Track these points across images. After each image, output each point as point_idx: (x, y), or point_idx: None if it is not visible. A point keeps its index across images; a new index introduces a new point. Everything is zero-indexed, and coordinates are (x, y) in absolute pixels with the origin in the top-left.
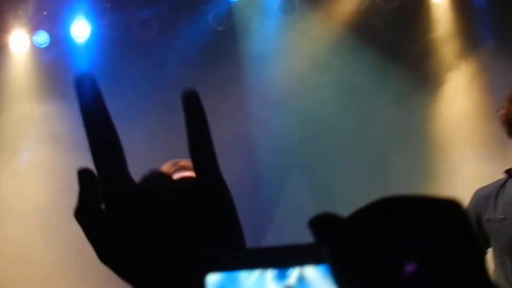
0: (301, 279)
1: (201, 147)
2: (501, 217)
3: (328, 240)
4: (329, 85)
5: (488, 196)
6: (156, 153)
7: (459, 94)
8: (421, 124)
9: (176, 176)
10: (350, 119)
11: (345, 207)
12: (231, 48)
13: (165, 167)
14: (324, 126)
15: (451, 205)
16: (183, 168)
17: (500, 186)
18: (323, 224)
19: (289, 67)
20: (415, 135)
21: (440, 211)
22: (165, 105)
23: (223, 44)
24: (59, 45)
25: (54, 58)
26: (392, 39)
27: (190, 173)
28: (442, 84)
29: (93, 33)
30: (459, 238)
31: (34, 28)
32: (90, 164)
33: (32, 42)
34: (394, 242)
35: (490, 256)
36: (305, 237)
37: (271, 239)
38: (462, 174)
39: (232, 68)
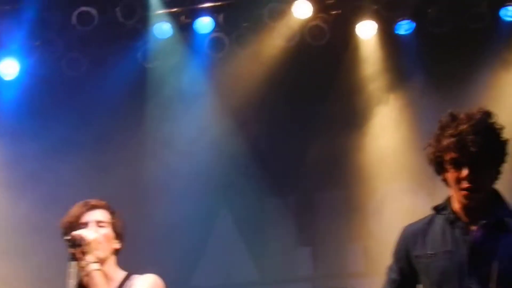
0: None
1: None
2: (430, 253)
3: None
4: (260, 121)
5: (417, 232)
6: (85, 187)
7: (387, 129)
8: (349, 159)
9: (88, 215)
10: (277, 154)
11: (273, 246)
12: (159, 85)
13: (77, 207)
14: (252, 162)
15: None
16: (94, 207)
17: (428, 222)
18: None
19: (219, 104)
20: (343, 170)
21: None
22: (95, 141)
23: (152, 81)
24: None
25: None
26: (321, 75)
27: (100, 212)
28: (370, 119)
29: (22, 71)
30: None
31: None
32: None
33: None
34: None
35: None
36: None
37: (202, 281)
38: (390, 208)
39: (160, 105)
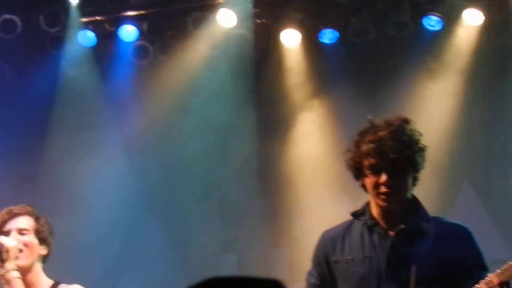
0: None
1: None
2: (348, 258)
3: None
4: (186, 129)
5: (336, 237)
6: (11, 197)
7: (311, 136)
8: (273, 166)
9: (10, 223)
10: (195, 160)
11: (198, 252)
12: (84, 93)
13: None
14: (177, 168)
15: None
16: (17, 215)
17: (347, 227)
18: None
19: (144, 112)
20: (267, 177)
21: None
22: (20, 150)
23: (77, 89)
24: None
25: None
26: (245, 83)
27: (23, 220)
28: (294, 127)
29: None
30: None
31: None
32: None
33: None
34: None
35: None
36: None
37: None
38: (314, 214)
39: (86, 113)
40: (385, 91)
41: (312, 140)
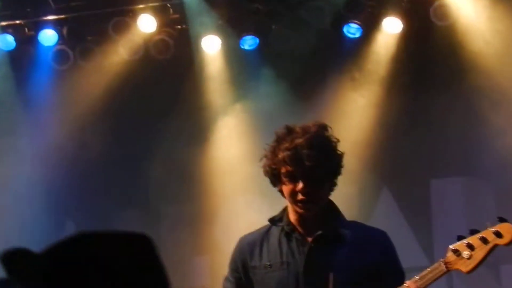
0: None
1: None
2: (266, 264)
3: (21, 275)
4: (106, 134)
5: (253, 243)
6: None
7: (232, 142)
8: (196, 172)
9: None
10: (122, 167)
11: None
12: (3, 97)
13: None
14: (98, 174)
15: (141, 241)
16: None
17: (265, 233)
18: (15, 259)
19: (64, 117)
20: (190, 183)
21: (130, 247)
22: None
23: None
24: None
25: None
26: (166, 89)
27: None
28: (215, 133)
29: None
30: (147, 273)
31: None
32: None
33: None
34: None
35: None
36: None
37: None
38: (237, 220)
39: (4, 118)
40: (306, 98)
41: (233, 146)
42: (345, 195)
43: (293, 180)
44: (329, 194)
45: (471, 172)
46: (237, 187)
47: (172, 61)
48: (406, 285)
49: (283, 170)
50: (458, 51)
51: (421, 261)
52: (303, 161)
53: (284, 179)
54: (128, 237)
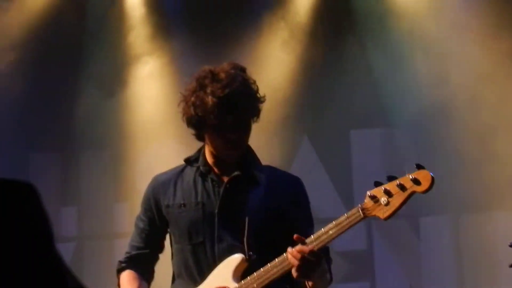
0: None
1: None
2: (180, 203)
3: None
4: (26, 78)
5: (168, 182)
6: None
7: (152, 88)
8: (114, 118)
9: None
10: (42, 110)
11: None
12: None
13: None
14: (15, 117)
15: (24, 189)
16: None
17: (179, 173)
18: None
19: None
20: (109, 129)
21: (11, 195)
22: None
23: None
24: None
25: None
26: (86, 33)
27: None
28: (135, 79)
29: None
30: (27, 222)
31: None
32: None
33: None
34: None
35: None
36: None
37: None
38: (158, 167)
39: None
40: (227, 45)
41: (153, 89)
42: (266, 145)
43: (222, 129)
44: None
45: (391, 123)
46: (157, 132)
47: (92, 2)
48: (323, 231)
49: (211, 118)
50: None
51: (340, 211)
52: (233, 110)
53: (211, 128)
54: (10, 184)
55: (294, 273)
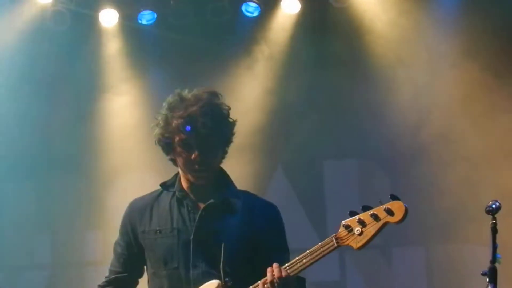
0: None
1: None
2: (156, 229)
3: None
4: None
5: (144, 208)
6: None
7: (126, 117)
8: (88, 147)
9: None
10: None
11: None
12: None
13: None
14: None
15: None
16: None
17: (155, 198)
18: None
19: None
20: (83, 157)
21: None
22: None
23: None
24: None
25: None
26: (60, 60)
27: None
28: (108, 107)
29: None
30: None
31: None
32: None
33: None
34: None
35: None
36: None
37: None
38: (130, 197)
39: None
40: (201, 73)
41: (126, 121)
42: (240, 174)
43: (188, 148)
44: (221, 161)
45: (366, 155)
46: (132, 161)
47: (68, 32)
48: (297, 259)
49: (177, 138)
50: (356, 33)
51: (313, 241)
52: (198, 129)
53: (178, 148)
54: None
55: None
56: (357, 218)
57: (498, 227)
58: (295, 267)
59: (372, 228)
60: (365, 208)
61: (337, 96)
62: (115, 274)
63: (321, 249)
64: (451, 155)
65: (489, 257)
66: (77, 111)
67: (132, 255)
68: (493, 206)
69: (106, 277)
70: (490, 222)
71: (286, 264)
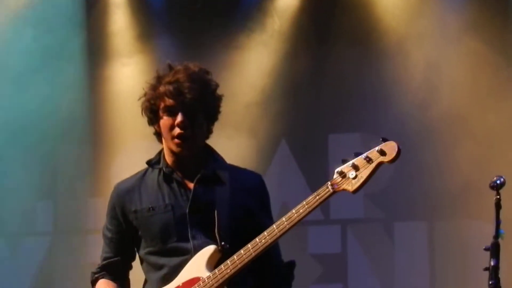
0: None
1: None
2: (149, 207)
3: None
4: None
5: (131, 188)
6: None
7: (133, 88)
8: (92, 117)
9: None
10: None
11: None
12: None
13: None
14: None
15: None
16: None
17: (141, 178)
18: None
19: None
20: (86, 126)
21: None
22: None
23: None
24: None
25: None
26: (68, 31)
27: None
28: (115, 78)
29: None
30: None
31: None
32: None
33: None
34: None
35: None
36: None
37: None
38: (138, 165)
39: None
40: (210, 47)
41: (132, 91)
42: (243, 147)
43: (172, 113)
44: (206, 137)
45: (370, 129)
46: (134, 130)
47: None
48: (294, 211)
49: (162, 104)
50: (363, 9)
51: (317, 214)
52: (184, 93)
53: (162, 114)
54: None
55: None
56: (351, 163)
57: (502, 203)
58: (292, 218)
59: (366, 170)
60: (358, 154)
61: (342, 70)
62: (107, 260)
63: (317, 197)
64: (458, 132)
65: (492, 233)
66: (83, 78)
67: (122, 238)
68: (498, 181)
69: (98, 264)
70: (494, 198)
71: (284, 218)
